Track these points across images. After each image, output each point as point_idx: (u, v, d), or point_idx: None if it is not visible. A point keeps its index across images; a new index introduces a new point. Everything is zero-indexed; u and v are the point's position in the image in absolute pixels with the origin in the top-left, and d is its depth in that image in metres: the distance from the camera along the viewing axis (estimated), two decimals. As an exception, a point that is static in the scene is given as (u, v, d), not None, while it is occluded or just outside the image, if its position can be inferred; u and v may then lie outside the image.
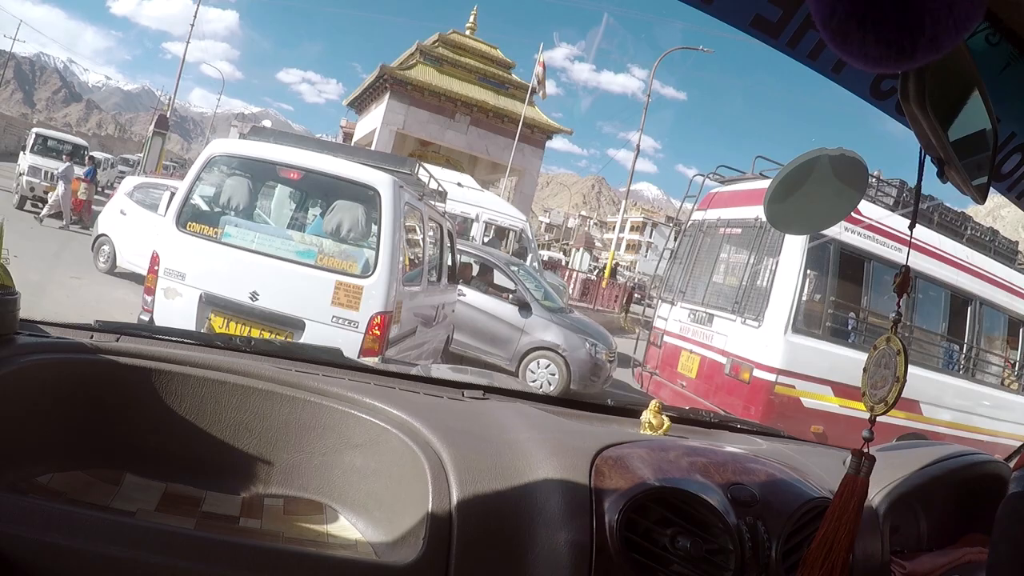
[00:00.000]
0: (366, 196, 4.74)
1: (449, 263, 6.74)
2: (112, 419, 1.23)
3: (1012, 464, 1.42)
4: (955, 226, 7.51)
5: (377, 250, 4.56)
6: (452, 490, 1.09)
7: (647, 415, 1.52)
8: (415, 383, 1.55)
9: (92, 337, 1.30)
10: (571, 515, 1.10)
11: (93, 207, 15.37)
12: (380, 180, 4.72)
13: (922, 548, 1.48)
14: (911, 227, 0.94)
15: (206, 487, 1.25)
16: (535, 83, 23.96)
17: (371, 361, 3.60)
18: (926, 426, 6.91)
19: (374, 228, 4.67)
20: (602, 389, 8.72)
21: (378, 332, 4.45)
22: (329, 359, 1.59)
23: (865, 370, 0.96)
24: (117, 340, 1.32)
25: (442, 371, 2.17)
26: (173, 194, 9.33)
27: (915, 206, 0.89)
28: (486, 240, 14.34)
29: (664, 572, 1.11)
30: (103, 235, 10.13)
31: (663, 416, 1.53)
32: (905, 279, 0.88)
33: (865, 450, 1.00)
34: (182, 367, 1.27)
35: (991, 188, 1.42)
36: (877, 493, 1.39)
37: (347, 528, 1.23)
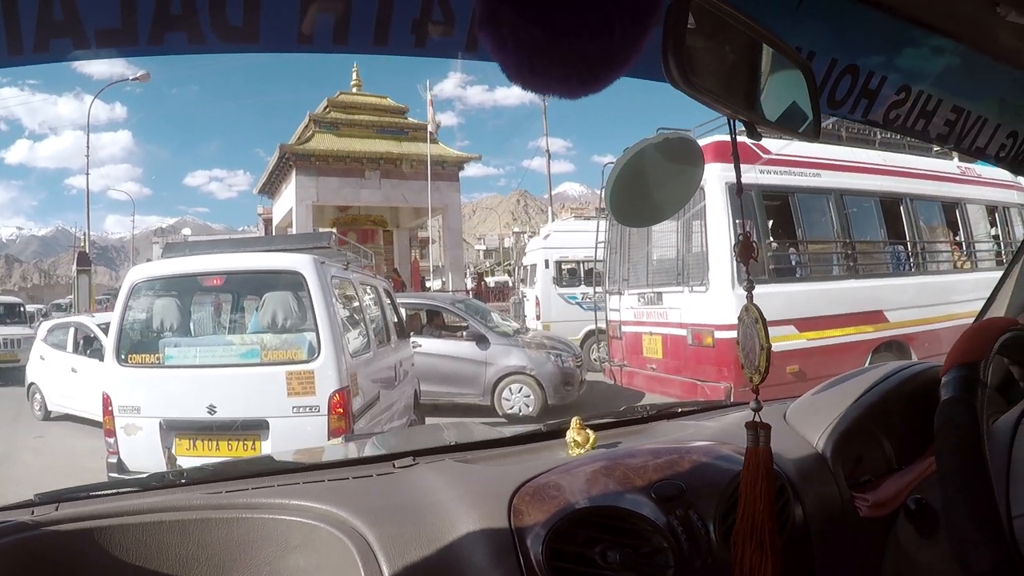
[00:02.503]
0: (291, 281, 4.75)
1: (395, 320, 6.71)
2: None
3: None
4: (863, 135, 7.70)
5: (316, 330, 4.54)
6: (383, 568, 1.10)
7: (570, 434, 1.51)
8: (344, 468, 1.55)
9: (33, 512, 1.30)
10: (497, 562, 1.11)
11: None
12: (300, 262, 4.72)
13: (893, 469, 1.50)
14: (739, 193, 0.96)
15: None
16: (430, 121, 24.11)
17: (326, 447, 3.53)
18: (897, 331, 7.05)
19: (308, 310, 4.64)
20: (579, 396, 8.76)
21: (341, 410, 4.43)
22: (259, 469, 1.59)
23: (737, 343, 0.98)
24: (56, 509, 1.32)
25: (376, 444, 2.19)
26: (76, 329, 9.71)
27: (737, 172, 0.90)
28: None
29: None
30: (32, 383, 10.34)
31: (587, 431, 1.52)
32: (746, 246, 0.89)
33: (758, 420, 1.02)
34: (120, 519, 1.27)
35: (838, 114, 1.46)
36: (819, 437, 1.41)
37: None
